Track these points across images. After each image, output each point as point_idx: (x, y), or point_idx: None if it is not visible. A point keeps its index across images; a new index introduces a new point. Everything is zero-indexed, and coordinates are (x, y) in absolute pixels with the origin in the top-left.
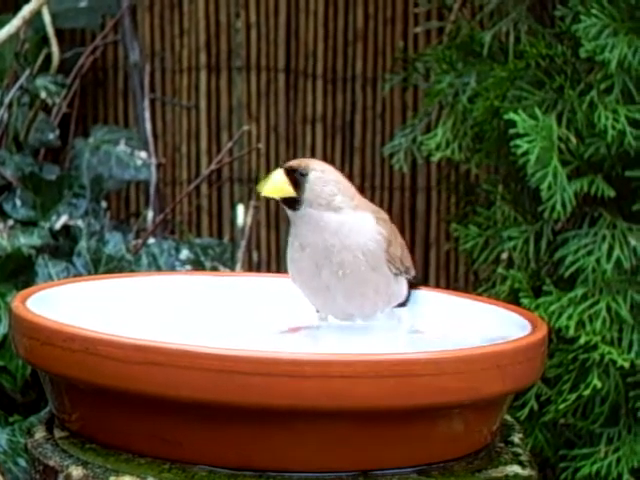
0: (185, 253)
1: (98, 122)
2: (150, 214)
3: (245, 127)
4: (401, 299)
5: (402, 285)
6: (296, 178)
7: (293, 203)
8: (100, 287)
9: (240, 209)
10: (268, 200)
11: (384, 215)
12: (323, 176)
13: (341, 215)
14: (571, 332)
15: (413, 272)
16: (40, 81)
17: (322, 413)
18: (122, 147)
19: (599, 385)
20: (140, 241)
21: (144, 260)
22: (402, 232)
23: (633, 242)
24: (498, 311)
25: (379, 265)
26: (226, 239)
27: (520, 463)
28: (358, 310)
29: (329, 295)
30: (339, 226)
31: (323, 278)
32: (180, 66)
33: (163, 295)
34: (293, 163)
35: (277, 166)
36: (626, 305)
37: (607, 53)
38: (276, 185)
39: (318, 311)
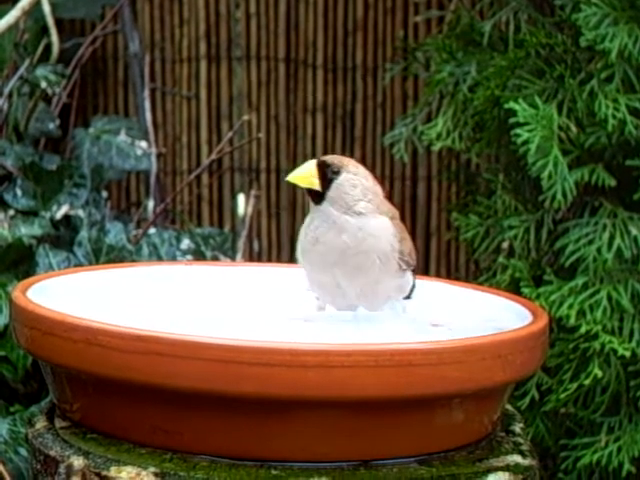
0: (186, 243)
1: (98, 112)
2: (151, 204)
3: (245, 117)
4: (407, 292)
5: (409, 279)
6: (326, 173)
7: (316, 196)
8: (101, 277)
9: (241, 198)
10: (269, 189)
11: (396, 213)
12: (353, 179)
13: (360, 219)
14: (572, 321)
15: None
16: (40, 71)
17: (322, 403)
18: (122, 137)
19: (600, 374)
20: (141, 231)
21: (145, 250)
22: (403, 222)
23: (634, 231)
24: (499, 300)
25: (392, 265)
26: (227, 228)
27: (521, 452)
28: (366, 305)
29: (339, 291)
30: (356, 230)
31: (335, 276)
32: (180, 56)
33: (164, 285)
34: (328, 158)
35: (277, 156)
36: (627, 294)
37: (607, 42)
38: (303, 174)
39: (318, 299)
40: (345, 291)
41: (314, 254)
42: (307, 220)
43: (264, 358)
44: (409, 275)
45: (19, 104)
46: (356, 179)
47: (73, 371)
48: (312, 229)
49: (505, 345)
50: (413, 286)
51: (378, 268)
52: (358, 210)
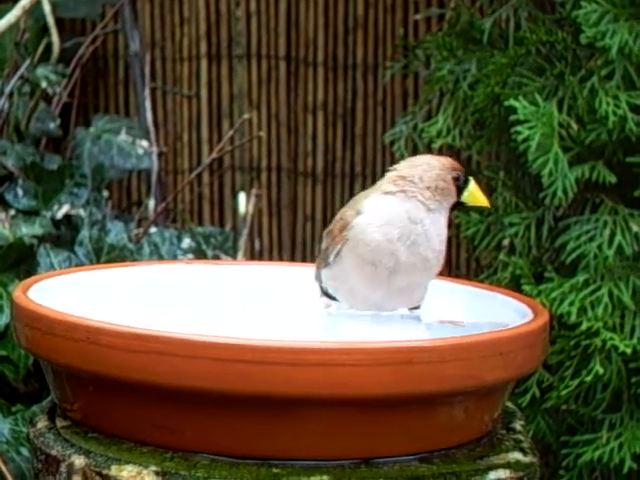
0: (187, 242)
1: (99, 111)
2: (152, 203)
3: (246, 115)
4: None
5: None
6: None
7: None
8: (102, 276)
9: (242, 197)
10: (270, 188)
11: None
12: None
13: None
14: (573, 318)
15: None
16: (41, 71)
17: (323, 401)
18: (123, 136)
19: (601, 371)
20: (142, 230)
21: (146, 249)
22: None
23: (635, 228)
24: (499, 298)
25: (438, 267)
26: (228, 227)
27: (522, 450)
28: (391, 307)
29: (381, 287)
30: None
31: (392, 272)
32: (181, 55)
33: (165, 284)
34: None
35: (278, 154)
36: (628, 291)
37: (608, 39)
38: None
39: (326, 292)
40: (388, 288)
41: (395, 254)
42: (394, 217)
43: (265, 357)
44: None
45: (20, 104)
46: None
47: (74, 370)
48: (422, 227)
49: (506, 342)
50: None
51: (435, 269)
52: None
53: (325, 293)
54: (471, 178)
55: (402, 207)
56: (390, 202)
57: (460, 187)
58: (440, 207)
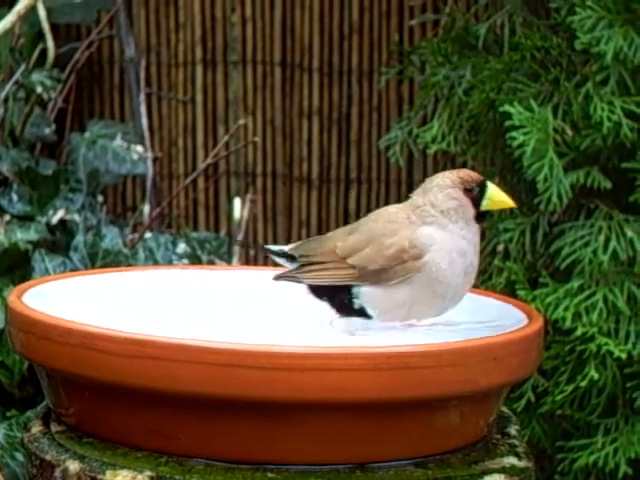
0: (182, 247)
1: (94, 117)
2: (147, 208)
3: (241, 121)
4: None
5: None
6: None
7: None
8: (97, 281)
9: (237, 203)
10: (265, 193)
11: None
12: None
13: None
14: (568, 324)
15: None
16: (36, 76)
17: (320, 406)
18: (118, 141)
19: (596, 376)
20: (137, 235)
21: (141, 254)
22: None
23: (629, 233)
24: (494, 303)
25: None
26: (223, 233)
27: (517, 455)
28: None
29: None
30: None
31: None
32: (176, 60)
33: (160, 289)
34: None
35: (273, 160)
36: (623, 296)
37: (603, 45)
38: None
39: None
40: (439, 311)
41: (460, 277)
42: (444, 241)
43: (261, 362)
44: None
45: (15, 109)
46: None
47: (69, 375)
48: (468, 255)
49: (501, 347)
50: None
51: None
52: None
53: (348, 307)
54: (489, 183)
55: (452, 242)
56: (443, 238)
57: (476, 198)
58: (460, 225)
